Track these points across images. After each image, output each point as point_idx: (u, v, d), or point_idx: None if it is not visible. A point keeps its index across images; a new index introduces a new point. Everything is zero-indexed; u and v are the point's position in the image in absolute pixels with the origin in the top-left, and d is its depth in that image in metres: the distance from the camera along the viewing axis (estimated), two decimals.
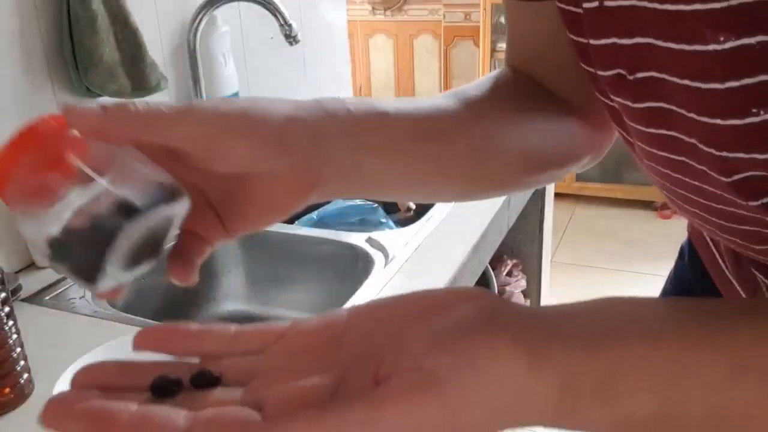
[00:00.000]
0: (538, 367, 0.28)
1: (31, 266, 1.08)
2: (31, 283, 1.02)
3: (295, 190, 0.40)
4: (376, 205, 1.36)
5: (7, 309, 0.74)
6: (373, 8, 3.67)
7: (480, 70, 3.38)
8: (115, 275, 0.34)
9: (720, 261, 0.61)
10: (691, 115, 0.38)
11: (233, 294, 1.25)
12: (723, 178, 0.40)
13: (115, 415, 0.27)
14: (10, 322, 0.74)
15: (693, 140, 0.40)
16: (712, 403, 0.30)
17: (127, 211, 0.32)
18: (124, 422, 0.26)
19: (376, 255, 1.09)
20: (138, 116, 0.34)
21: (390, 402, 0.26)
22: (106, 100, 1.15)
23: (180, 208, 0.35)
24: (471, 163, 0.49)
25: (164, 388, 0.30)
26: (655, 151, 0.45)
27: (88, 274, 0.33)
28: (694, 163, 0.42)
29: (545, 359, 0.29)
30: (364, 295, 0.96)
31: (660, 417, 0.30)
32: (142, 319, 0.94)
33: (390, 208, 1.42)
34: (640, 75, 0.41)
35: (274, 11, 1.16)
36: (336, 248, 1.17)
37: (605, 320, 0.32)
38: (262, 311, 1.24)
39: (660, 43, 0.38)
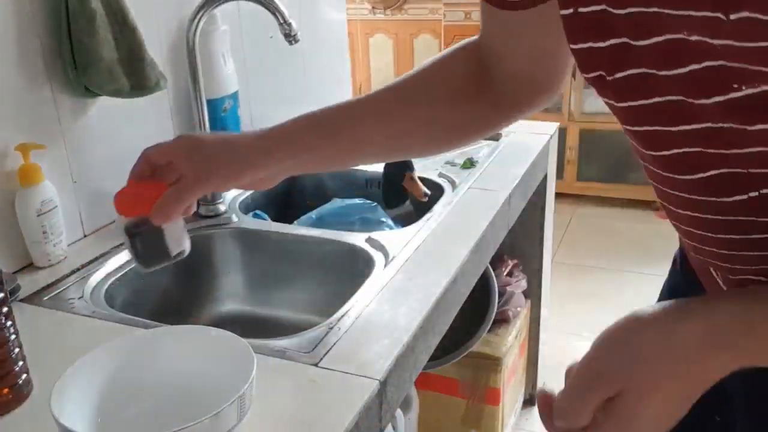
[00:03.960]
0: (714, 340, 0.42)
1: (29, 266, 1.07)
2: (29, 283, 1.02)
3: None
4: (375, 204, 1.36)
5: (5, 309, 0.73)
6: (373, 7, 3.67)
7: None
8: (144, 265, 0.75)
9: (712, 270, 0.60)
10: (679, 97, 0.42)
11: (233, 294, 1.25)
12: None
13: None
14: (9, 323, 0.74)
15: (690, 126, 0.44)
16: None
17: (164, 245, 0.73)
18: None
19: (376, 255, 1.09)
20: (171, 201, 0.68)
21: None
22: (105, 99, 1.15)
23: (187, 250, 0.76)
24: (356, 152, 0.73)
25: None
26: (643, 150, 0.49)
27: (134, 256, 0.75)
28: (685, 149, 0.45)
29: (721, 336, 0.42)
30: (364, 295, 0.96)
31: None
32: (140, 319, 0.94)
33: (399, 199, 1.40)
34: (618, 75, 0.45)
35: (274, 10, 1.16)
36: (336, 248, 1.16)
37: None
38: (262, 311, 1.23)
39: (635, 42, 0.41)
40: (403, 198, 1.40)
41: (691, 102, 0.42)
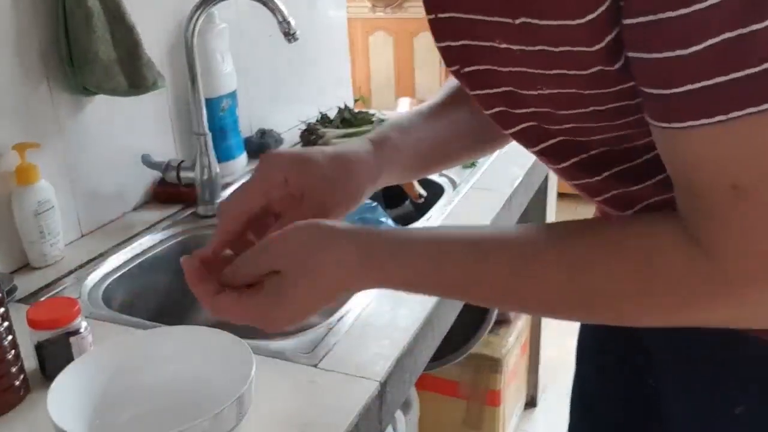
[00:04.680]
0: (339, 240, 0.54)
1: (26, 267, 1.07)
2: (26, 283, 1.01)
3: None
4: (375, 204, 1.35)
5: (2, 310, 0.73)
6: (373, 6, 3.66)
7: None
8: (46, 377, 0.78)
9: None
10: (511, 88, 0.53)
11: None
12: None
13: None
14: (6, 324, 0.74)
15: (524, 110, 0.55)
16: (432, 277, 0.54)
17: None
18: None
19: None
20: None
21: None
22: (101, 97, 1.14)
23: None
24: (440, 150, 0.73)
25: None
26: (503, 131, 0.59)
27: (39, 367, 0.79)
28: (531, 123, 0.56)
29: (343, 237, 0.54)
30: (364, 295, 0.95)
31: (409, 281, 0.56)
32: (139, 319, 0.93)
33: (399, 199, 1.40)
34: (468, 69, 0.55)
35: (273, 8, 1.15)
36: None
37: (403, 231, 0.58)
38: None
39: (473, 43, 0.52)
40: (402, 198, 1.40)
41: (520, 92, 0.53)
